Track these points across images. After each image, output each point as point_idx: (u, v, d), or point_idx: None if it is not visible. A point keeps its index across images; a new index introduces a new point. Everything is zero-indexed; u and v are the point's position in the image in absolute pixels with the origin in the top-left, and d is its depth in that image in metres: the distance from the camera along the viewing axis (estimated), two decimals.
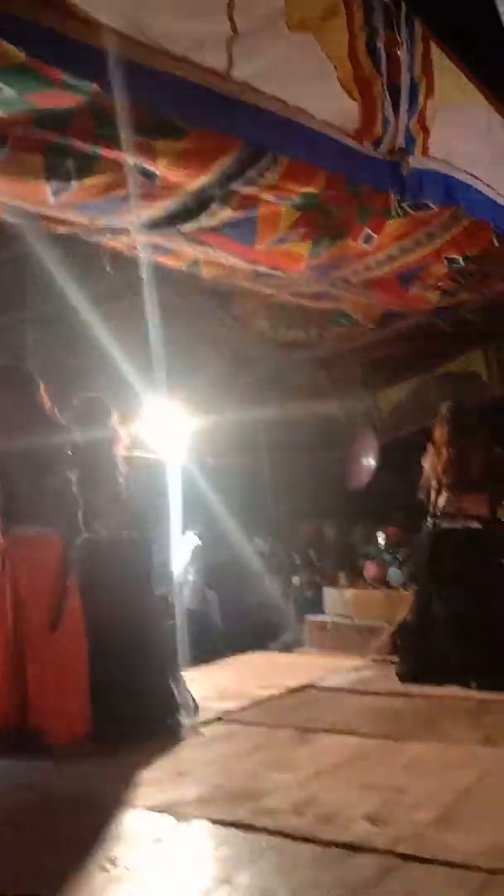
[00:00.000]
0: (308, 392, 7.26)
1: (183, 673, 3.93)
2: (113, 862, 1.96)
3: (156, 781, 2.65)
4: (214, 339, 6.74)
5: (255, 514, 8.78)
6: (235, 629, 7.71)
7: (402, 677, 4.41)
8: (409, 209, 3.81)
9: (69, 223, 4.11)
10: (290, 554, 8.59)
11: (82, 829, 2.21)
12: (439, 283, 4.99)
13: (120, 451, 4.05)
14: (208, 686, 4.47)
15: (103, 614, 3.41)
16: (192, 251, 4.43)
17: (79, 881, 1.85)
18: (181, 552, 7.64)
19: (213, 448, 7.75)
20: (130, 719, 3.18)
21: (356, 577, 6.82)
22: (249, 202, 3.68)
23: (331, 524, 8.16)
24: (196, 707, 3.67)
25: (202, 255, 4.50)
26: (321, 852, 1.97)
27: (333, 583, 6.73)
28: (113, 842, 2.10)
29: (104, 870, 1.92)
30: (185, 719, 3.47)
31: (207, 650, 6.15)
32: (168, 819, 2.26)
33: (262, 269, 4.56)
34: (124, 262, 4.95)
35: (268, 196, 3.63)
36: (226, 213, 3.74)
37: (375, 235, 4.07)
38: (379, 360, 6.93)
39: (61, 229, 4.24)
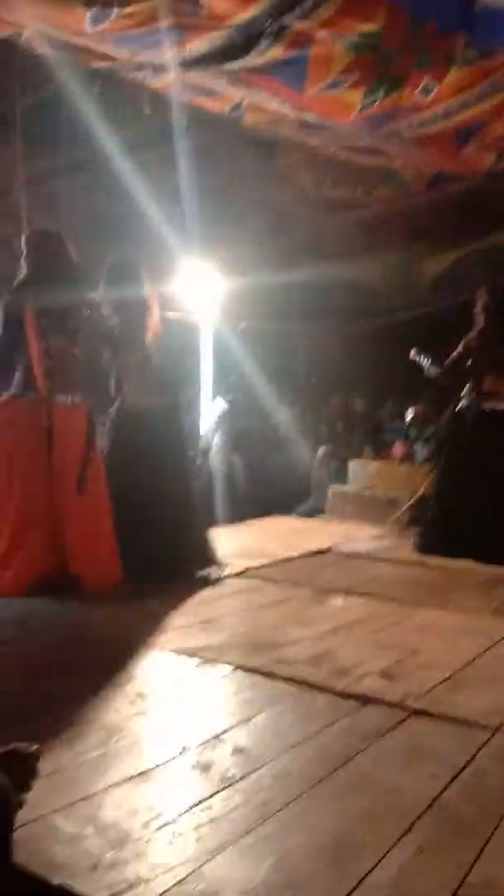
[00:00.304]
0: (348, 257, 6.99)
1: (210, 531, 4.18)
2: (140, 696, 2.10)
3: (182, 627, 2.79)
4: (255, 194, 6.42)
5: (285, 382, 8.72)
6: (260, 494, 7.89)
7: (420, 548, 4.52)
8: (475, 55, 3.48)
9: (107, 57, 3.84)
10: (318, 424, 8.62)
11: (112, 665, 2.35)
12: (499, 143, 4.64)
13: (153, 313, 3.99)
14: (232, 545, 4.62)
15: (139, 477, 3.62)
16: (236, 93, 4.14)
17: (107, 710, 1.99)
18: (210, 416, 7.70)
19: (246, 312, 7.61)
20: (163, 569, 3.46)
21: (381, 451, 6.86)
22: (302, 40, 3.39)
23: (360, 397, 8.12)
24: (220, 563, 3.84)
25: (247, 98, 4.20)
26: (335, 701, 2.09)
27: (359, 455, 6.78)
28: (141, 679, 2.24)
29: (131, 703, 2.05)
30: (211, 571, 3.71)
31: (232, 512, 6.34)
32: (193, 661, 2.39)
33: (310, 117, 4.27)
34: (163, 106, 4.66)
35: (322, 33, 3.34)
36: (276, 52, 3.47)
37: (436, 84, 3.76)
38: (424, 227, 6.60)
39: (99, 63, 3.97)
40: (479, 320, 4.59)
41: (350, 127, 4.37)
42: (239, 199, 6.49)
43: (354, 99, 3.92)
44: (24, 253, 3.58)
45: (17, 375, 3.41)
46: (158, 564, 3.47)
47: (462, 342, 4.63)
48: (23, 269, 3.55)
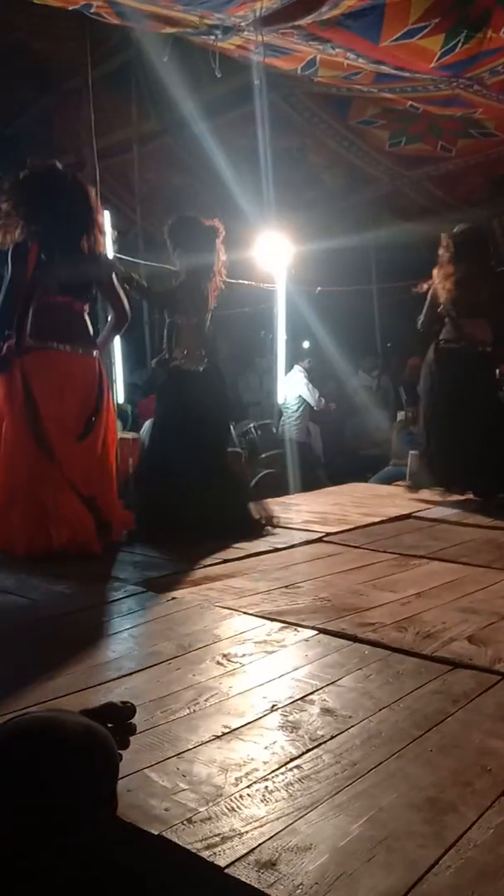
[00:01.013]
0: (427, 213, 6.77)
1: (285, 498, 4.24)
2: (226, 657, 2.13)
3: (264, 591, 2.82)
4: (328, 154, 6.28)
5: (361, 347, 8.58)
6: (337, 460, 7.84)
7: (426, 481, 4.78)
8: None
9: (177, 22, 3.80)
10: (397, 389, 8.46)
11: (197, 628, 2.40)
12: None
13: (216, 280, 4.02)
14: (310, 512, 4.63)
15: (182, 439, 3.80)
16: (309, 49, 4.02)
17: (195, 670, 2.03)
18: (286, 383, 7.68)
19: (321, 276, 7.51)
20: (216, 530, 3.67)
21: None
22: None
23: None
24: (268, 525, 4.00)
25: (320, 54, 4.08)
26: (422, 664, 2.07)
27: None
28: (226, 641, 2.28)
29: (218, 664, 2.09)
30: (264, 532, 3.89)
31: (310, 480, 6.33)
32: (276, 625, 2.41)
33: (386, 68, 4.12)
34: (234, 68, 4.59)
35: None
36: (350, 2, 3.34)
37: None
38: None
39: (168, 29, 3.93)
40: (443, 263, 4.69)
41: (429, 76, 4.20)
42: (314, 160, 6.36)
43: (433, 46, 3.75)
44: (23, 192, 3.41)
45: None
46: (195, 523, 3.65)
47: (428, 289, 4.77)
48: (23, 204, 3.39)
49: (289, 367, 7.71)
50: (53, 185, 3.48)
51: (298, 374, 7.83)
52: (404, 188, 6.60)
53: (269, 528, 3.97)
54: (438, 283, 4.74)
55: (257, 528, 3.93)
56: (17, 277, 3.30)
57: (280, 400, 7.65)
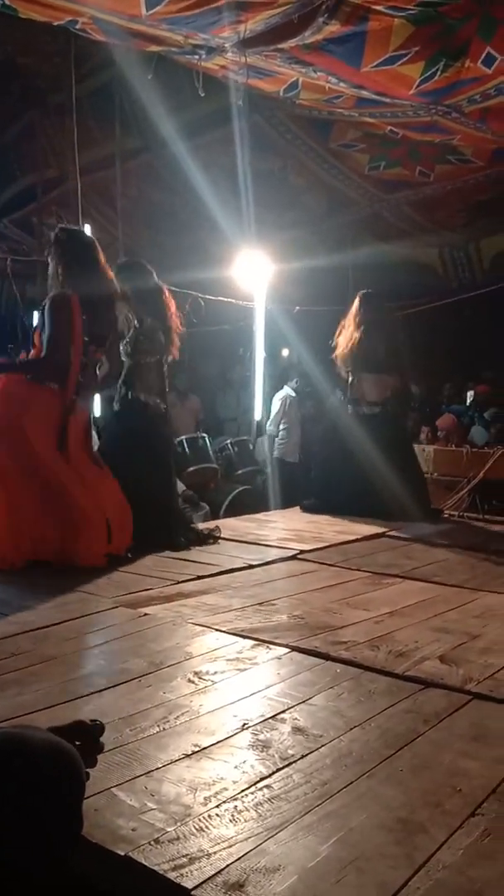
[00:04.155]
0: (405, 236, 6.85)
1: (262, 515, 4.28)
2: (198, 675, 2.11)
3: (237, 609, 2.80)
4: (309, 175, 6.35)
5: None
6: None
7: None
8: None
9: (162, 41, 3.83)
10: None
11: (169, 644, 2.37)
12: None
13: (171, 312, 4.14)
14: (286, 529, 4.63)
15: (132, 466, 3.93)
16: (291, 72, 4.07)
17: (166, 688, 2.00)
18: (271, 404, 7.67)
19: (300, 295, 7.56)
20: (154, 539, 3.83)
21: (435, 434, 6.74)
22: (359, 14, 3.32)
23: (417, 380, 7.97)
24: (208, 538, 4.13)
25: (302, 77, 4.13)
26: (394, 683, 2.06)
27: (415, 439, 6.68)
28: (198, 658, 2.25)
29: (189, 681, 2.06)
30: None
31: (288, 497, 6.33)
32: (248, 642, 2.40)
33: (367, 93, 4.18)
34: (217, 88, 4.63)
35: (380, 6, 3.25)
36: (333, 28, 3.39)
37: (499, 56, 3.62)
38: (485, 202, 6.41)
39: (153, 48, 3.96)
40: (350, 324, 5.19)
41: (408, 102, 4.27)
42: (295, 181, 6.43)
43: (413, 73, 3.81)
44: (55, 250, 3.68)
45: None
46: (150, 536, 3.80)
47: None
48: (55, 263, 3.65)
49: (270, 385, 7.72)
50: (83, 241, 3.80)
51: (286, 393, 7.83)
52: (383, 211, 6.69)
53: (214, 539, 4.11)
54: (341, 340, 5.19)
55: (206, 538, 4.09)
56: (65, 326, 3.51)
57: (257, 416, 7.65)
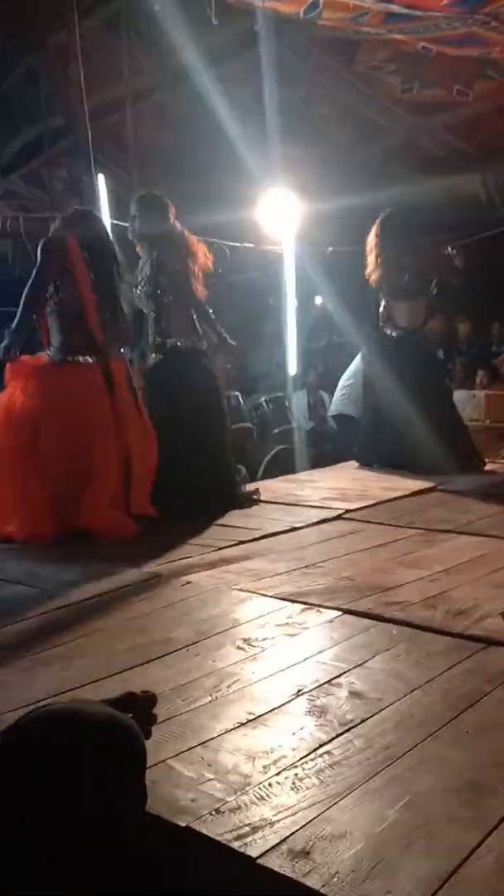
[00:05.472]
0: (445, 165, 6.65)
1: (303, 475, 4.65)
2: (247, 642, 2.15)
3: (284, 572, 2.83)
4: (336, 104, 6.19)
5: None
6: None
7: None
8: None
9: None
10: None
11: (215, 612, 2.42)
12: None
13: (196, 251, 4.13)
14: (328, 488, 4.63)
15: (175, 416, 4.01)
16: None
17: (215, 656, 2.05)
18: (303, 359, 7.63)
19: (332, 236, 7.44)
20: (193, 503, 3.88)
21: (492, 378, 6.65)
22: None
23: (465, 321, 7.84)
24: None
25: None
26: (453, 643, 2.08)
27: (467, 384, 6.59)
28: (246, 625, 2.30)
29: (239, 648, 2.11)
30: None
31: (327, 455, 6.33)
32: (297, 606, 2.43)
33: (395, 7, 4.03)
34: (231, 15, 4.52)
35: None
36: None
37: None
38: None
39: None
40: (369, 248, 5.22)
41: (441, 13, 4.11)
42: (320, 111, 6.27)
43: None
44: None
45: (58, 335, 3.67)
46: (188, 499, 3.86)
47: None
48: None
49: (303, 337, 7.66)
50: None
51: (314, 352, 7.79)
52: (419, 138, 6.50)
53: (255, 499, 4.20)
54: (370, 262, 5.16)
55: (244, 500, 4.15)
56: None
57: (291, 371, 7.59)
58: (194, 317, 4.22)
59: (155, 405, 4.00)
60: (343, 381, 6.82)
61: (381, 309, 5.29)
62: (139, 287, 4.18)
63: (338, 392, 6.92)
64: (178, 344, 4.16)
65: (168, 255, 4.14)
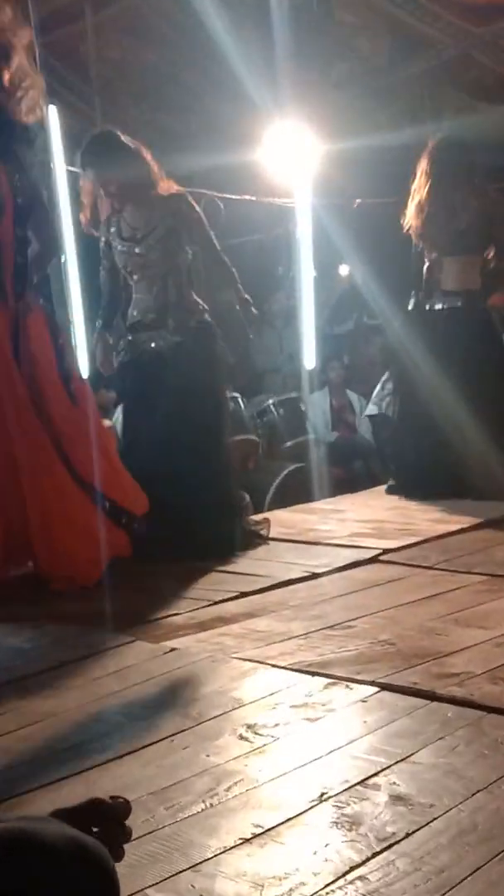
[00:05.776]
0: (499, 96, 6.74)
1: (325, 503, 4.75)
2: (252, 729, 2.15)
3: (300, 635, 2.84)
4: (364, 9, 6.26)
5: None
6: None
7: None
8: None
9: None
10: None
11: (209, 688, 2.43)
12: None
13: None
14: (360, 521, 4.65)
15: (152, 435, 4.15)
16: None
17: (211, 748, 2.05)
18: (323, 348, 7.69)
19: (360, 186, 7.50)
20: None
21: None
22: None
23: None
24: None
25: None
26: None
27: None
28: (251, 706, 2.30)
29: (242, 738, 2.11)
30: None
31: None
32: (320, 681, 2.43)
33: None
34: None
35: None
36: None
37: None
38: None
39: None
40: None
41: None
42: (343, 18, 6.34)
43: None
44: None
45: None
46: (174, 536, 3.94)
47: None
48: None
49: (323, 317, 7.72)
50: None
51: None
52: (475, 52, 6.56)
53: (262, 535, 4.24)
54: (411, 209, 5.11)
55: (248, 537, 4.18)
56: None
57: (309, 364, 7.62)
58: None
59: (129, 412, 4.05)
60: (386, 375, 6.84)
61: (424, 270, 5.21)
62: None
63: (378, 388, 6.95)
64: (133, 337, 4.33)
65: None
